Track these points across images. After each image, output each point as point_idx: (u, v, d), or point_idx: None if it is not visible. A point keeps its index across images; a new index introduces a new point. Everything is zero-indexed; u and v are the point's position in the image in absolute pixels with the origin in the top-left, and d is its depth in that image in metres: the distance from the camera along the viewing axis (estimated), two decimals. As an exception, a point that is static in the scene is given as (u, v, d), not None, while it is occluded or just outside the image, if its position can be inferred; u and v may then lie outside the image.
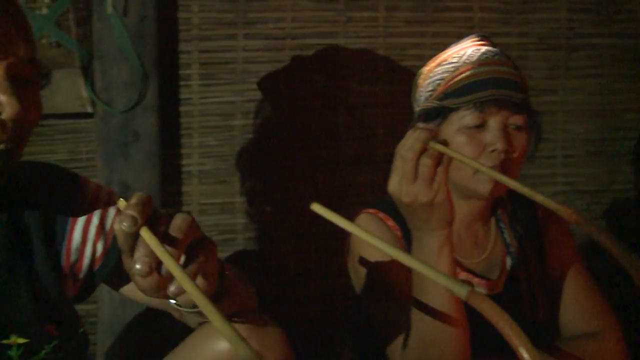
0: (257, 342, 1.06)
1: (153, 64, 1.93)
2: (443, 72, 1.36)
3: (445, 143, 1.06)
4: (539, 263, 1.44)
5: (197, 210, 2.11)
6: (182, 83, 2.06)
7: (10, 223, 1.04)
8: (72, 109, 1.95)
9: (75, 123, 2.01)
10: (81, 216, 1.11)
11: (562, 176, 2.34)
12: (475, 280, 1.38)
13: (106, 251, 1.12)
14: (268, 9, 2.08)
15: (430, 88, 1.37)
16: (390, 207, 1.31)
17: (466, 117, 1.30)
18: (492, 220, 1.46)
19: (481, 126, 1.30)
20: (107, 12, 1.86)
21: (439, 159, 1.04)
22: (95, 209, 1.12)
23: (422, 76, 1.42)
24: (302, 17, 2.10)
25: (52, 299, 1.05)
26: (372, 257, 1.33)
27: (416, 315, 1.13)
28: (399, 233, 1.38)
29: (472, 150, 1.29)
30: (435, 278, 0.79)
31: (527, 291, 1.41)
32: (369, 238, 0.88)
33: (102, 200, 1.14)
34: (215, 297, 0.91)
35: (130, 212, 0.74)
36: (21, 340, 0.99)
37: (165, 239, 0.76)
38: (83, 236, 1.10)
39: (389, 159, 1.08)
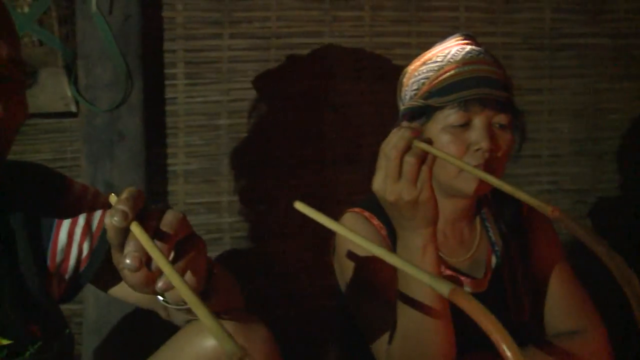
0: (243, 339, 1.06)
1: (138, 63, 1.91)
2: (428, 71, 1.36)
3: (429, 142, 1.06)
4: (524, 261, 1.45)
5: (183, 209, 2.10)
6: (167, 82, 2.05)
7: (-6, 223, 1.03)
8: (56, 109, 1.93)
9: (60, 122, 2.00)
10: (67, 217, 1.10)
11: (547, 175, 2.35)
12: (461, 278, 1.39)
13: (92, 252, 1.12)
14: (253, 8, 2.07)
15: (415, 87, 1.38)
16: (375, 206, 1.31)
17: (451, 116, 1.30)
18: (477, 219, 1.47)
19: (466, 125, 1.30)
20: (91, 11, 1.84)
21: (423, 158, 1.04)
22: (81, 209, 1.12)
23: (407, 75, 1.42)
24: (288, 17, 2.10)
25: (37, 300, 1.05)
26: (357, 255, 1.33)
27: (401, 312, 1.14)
28: (384, 232, 1.38)
29: (457, 149, 1.29)
30: (418, 276, 0.79)
31: (512, 289, 1.42)
32: (353, 237, 0.89)
33: (88, 201, 1.13)
34: (203, 295, 0.91)
35: (121, 206, 0.74)
36: (5, 342, 0.98)
37: (155, 234, 0.76)
38: (69, 237, 1.10)
39: (375, 158, 1.08)
